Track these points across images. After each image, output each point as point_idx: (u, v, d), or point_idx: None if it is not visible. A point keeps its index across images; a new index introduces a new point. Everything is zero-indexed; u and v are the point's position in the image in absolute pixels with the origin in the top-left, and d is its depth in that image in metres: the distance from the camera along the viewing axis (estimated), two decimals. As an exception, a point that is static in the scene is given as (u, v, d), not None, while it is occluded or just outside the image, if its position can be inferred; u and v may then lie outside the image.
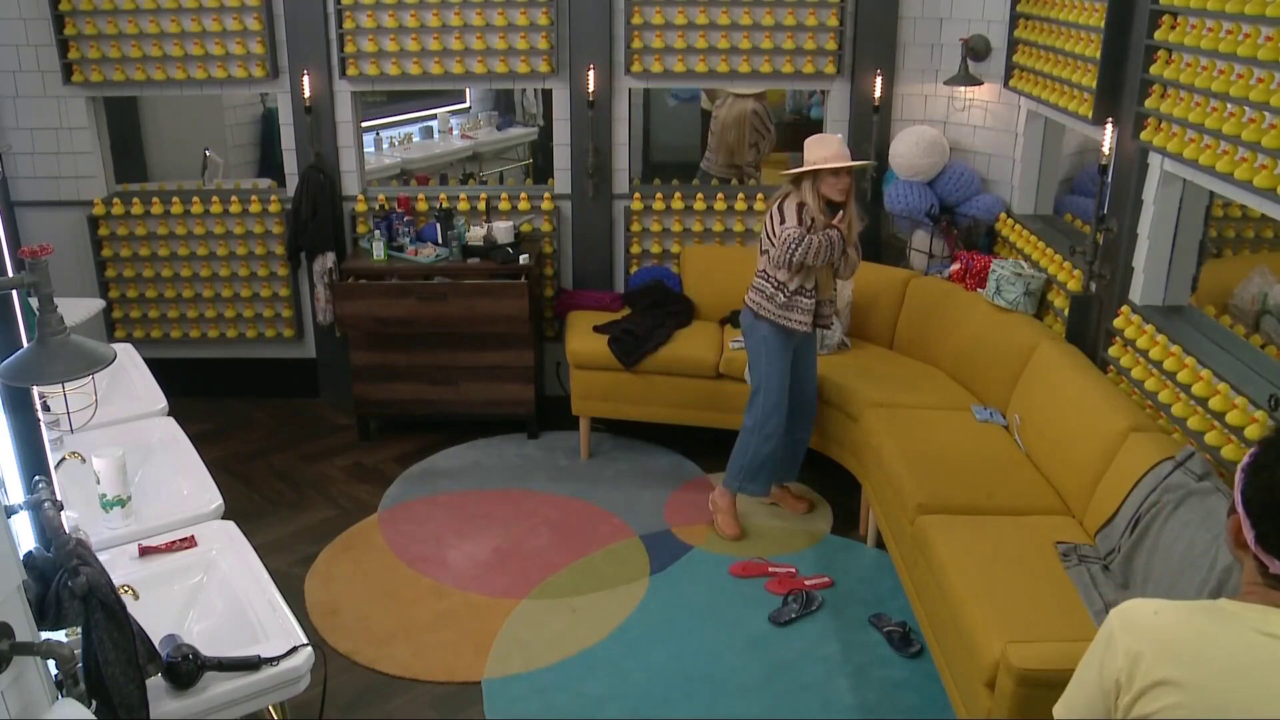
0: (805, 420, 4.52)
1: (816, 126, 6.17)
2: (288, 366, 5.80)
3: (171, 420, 3.47)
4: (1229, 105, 3.19)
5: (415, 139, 7.55)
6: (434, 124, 7.77)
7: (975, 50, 4.97)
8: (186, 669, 2.28)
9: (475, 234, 5.25)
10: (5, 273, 2.17)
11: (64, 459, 3.10)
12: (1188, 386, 3.36)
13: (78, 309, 3.91)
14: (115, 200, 5.47)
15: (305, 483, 5.00)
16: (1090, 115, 4.02)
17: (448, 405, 5.27)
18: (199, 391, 5.64)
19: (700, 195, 5.45)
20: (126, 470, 2.90)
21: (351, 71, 5.21)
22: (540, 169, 7.65)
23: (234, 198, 5.47)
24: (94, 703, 2.03)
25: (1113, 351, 3.89)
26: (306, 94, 5.20)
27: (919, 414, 4.28)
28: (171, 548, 2.80)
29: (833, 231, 4.09)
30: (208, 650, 2.33)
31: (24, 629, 1.87)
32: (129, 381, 3.72)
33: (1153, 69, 3.65)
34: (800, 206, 4.09)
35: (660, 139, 7.95)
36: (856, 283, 4.98)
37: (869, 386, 4.49)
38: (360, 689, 3.61)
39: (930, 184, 5.08)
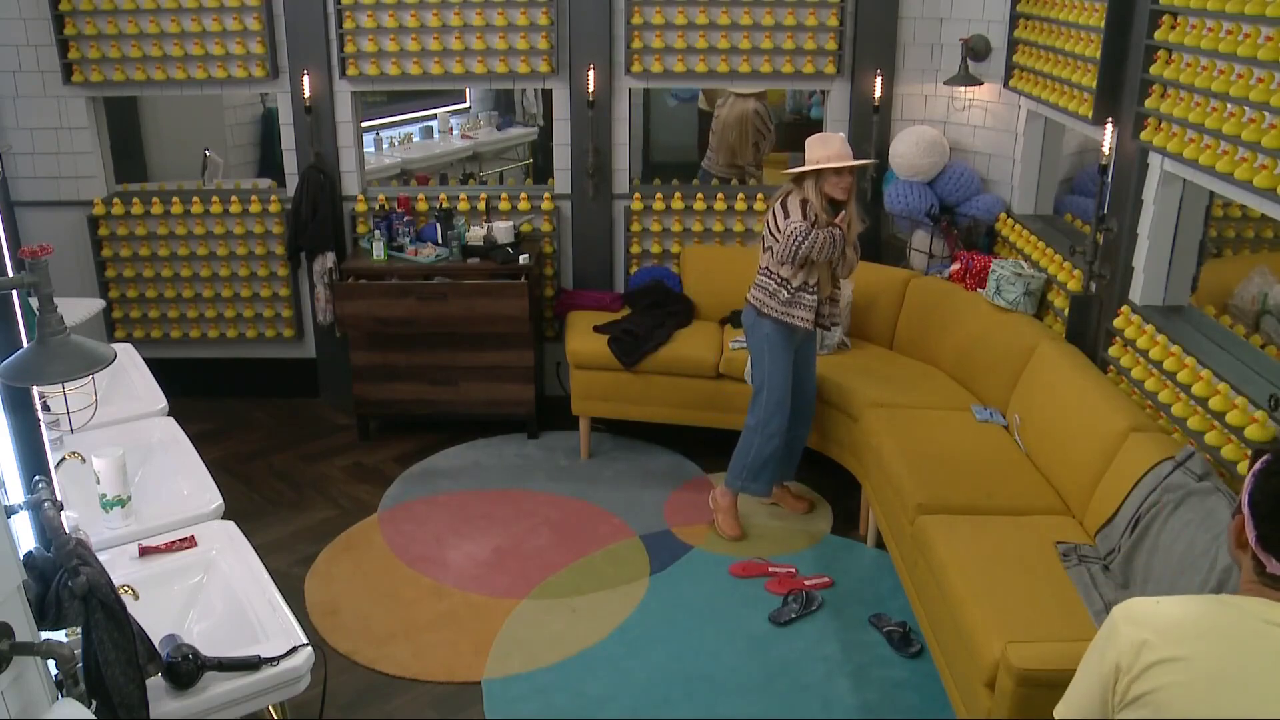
0: (805, 419, 4.52)
1: (816, 126, 6.17)
2: (288, 366, 5.80)
3: (171, 420, 3.47)
4: (1229, 105, 3.19)
5: (415, 139, 7.55)
6: (434, 124, 7.77)
7: (975, 50, 4.97)
8: (186, 669, 2.28)
9: (475, 234, 5.25)
10: (5, 273, 2.17)
11: (64, 459, 3.10)
12: (1188, 386, 3.36)
13: (78, 309, 3.92)
14: (115, 200, 5.47)
15: (305, 483, 5.00)
16: (1090, 115, 4.02)
17: (448, 405, 5.27)
18: (199, 391, 5.64)
19: (700, 195, 5.45)
20: (126, 470, 2.90)
21: (351, 71, 5.21)
22: (540, 169, 7.65)
23: (234, 198, 5.47)
24: (94, 703, 2.03)
25: (1113, 351, 3.89)
26: (306, 94, 5.20)
27: (919, 414, 4.28)
28: (171, 548, 2.80)
29: (834, 229, 4.10)
30: (208, 650, 2.33)
31: (24, 629, 1.87)
32: (129, 381, 3.72)
33: (1153, 69, 3.65)
34: (804, 203, 4.10)
35: (660, 139, 7.96)
36: (856, 283, 4.98)
37: (869, 386, 4.49)
38: (360, 689, 3.61)
39: (930, 184, 5.08)
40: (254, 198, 5.48)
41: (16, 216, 5.28)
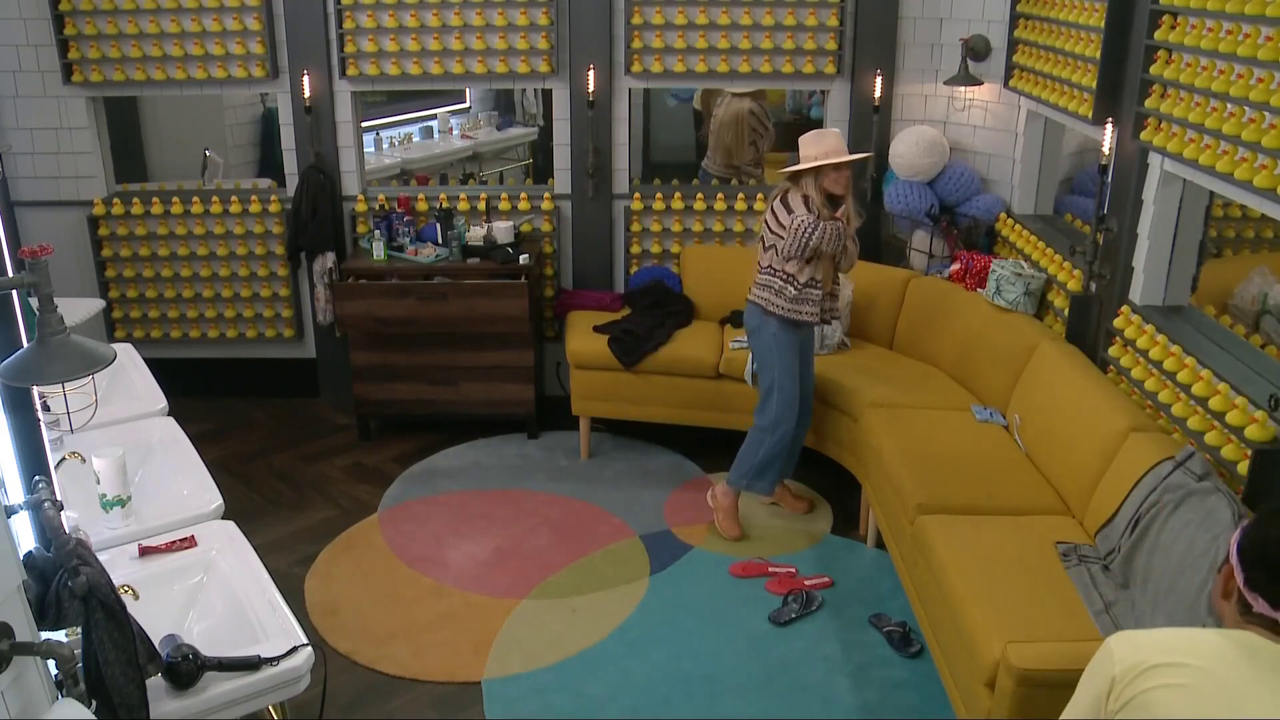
0: (806, 416, 4.52)
1: (817, 126, 6.17)
2: (288, 366, 5.80)
3: (171, 420, 3.47)
4: (1229, 105, 3.19)
5: (415, 139, 7.56)
6: (434, 124, 7.78)
7: (975, 50, 4.97)
8: (186, 669, 2.28)
9: (475, 234, 5.25)
10: (5, 273, 2.17)
11: (64, 459, 3.10)
12: (1188, 386, 3.36)
13: (78, 309, 3.91)
14: (115, 200, 5.47)
15: (305, 483, 5.00)
16: (1090, 115, 4.02)
17: (448, 405, 5.27)
18: (199, 391, 5.64)
19: (700, 195, 5.45)
20: (126, 470, 2.90)
21: (351, 71, 5.21)
22: (540, 169, 7.65)
23: (234, 198, 5.47)
24: (94, 703, 2.03)
25: (1113, 351, 3.89)
26: (306, 94, 5.20)
27: (919, 414, 4.28)
28: (171, 548, 2.80)
29: (837, 223, 4.12)
30: (208, 650, 2.33)
31: (24, 629, 1.87)
32: (129, 381, 3.72)
33: (1153, 69, 3.65)
34: (805, 200, 4.11)
35: (660, 139, 7.95)
36: (856, 283, 4.98)
37: (869, 386, 4.49)
38: (360, 689, 3.61)
39: (930, 184, 5.08)
40: (254, 198, 5.48)
41: (16, 216, 5.28)
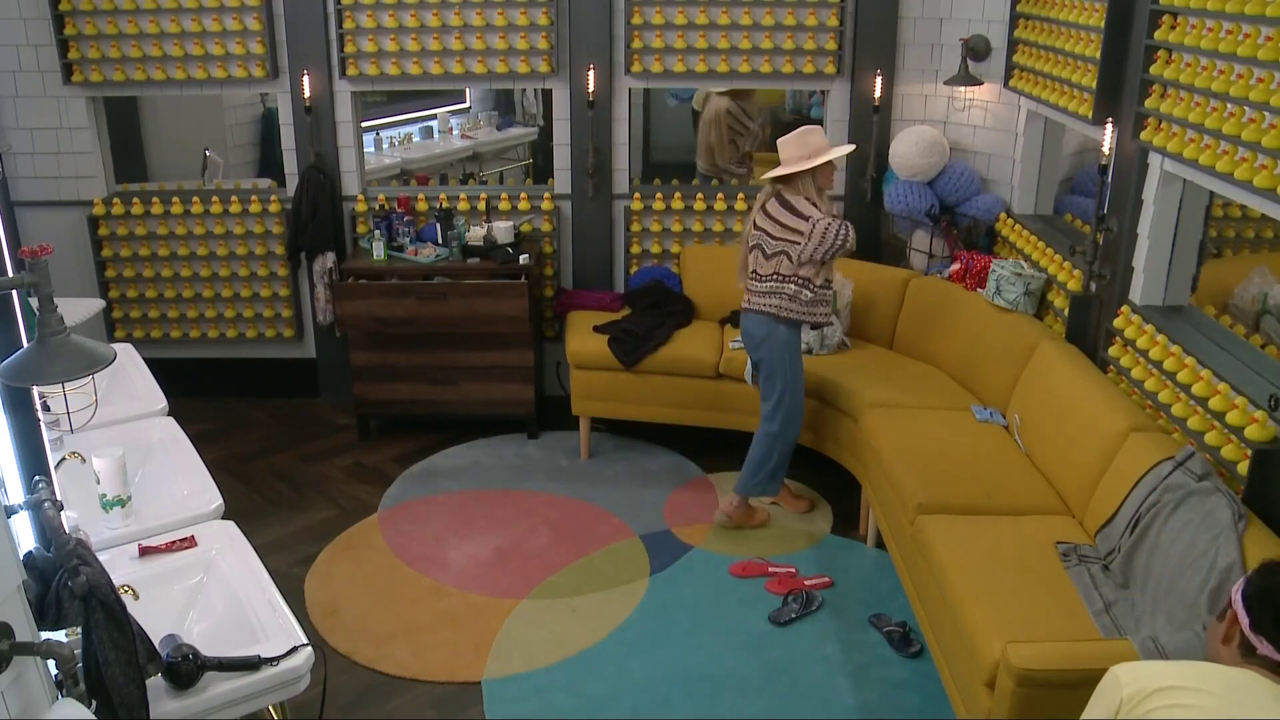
0: None
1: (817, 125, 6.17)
2: (288, 366, 5.80)
3: (171, 420, 3.47)
4: (1229, 105, 3.19)
5: (415, 139, 7.55)
6: (434, 124, 7.77)
7: (975, 50, 4.97)
8: (186, 669, 2.28)
9: (475, 234, 5.25)
10: (5, 273, 2.17)
11: (64, 459, 3.10)
12: (1188, 386, 3.36)
13: (78, 309, 3.91)
14: (115, 200, 5.47)
15: (305, 483, 5.00)
16: (1090, 115, 4.02)
17: (448, 405, 5.27)
18: (199, 391, 5.64)
19: (700, 195, 5.45)
20: (126, 470, 2.90)
21: (351, 71, 5.21)
22: (540, 169, 7.65)
23: (234, 198, 5.47)
24: (94, 703, 2.03)
25: (1113, 351, 3.89)
26: (306, 94, 5.20)
27: (919, 414, 4.28)
28: (171, 548, 2.80)
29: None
30: (208, 650, 2.33)
31: (24, 629, 1.87)
32: (129, 381, 3.72)
33: (1153, 69, 3.65)
34: (808, 200, 4.12)
35: (660, 139, 7.95)
36: (856, 282, 4.98)
37: (869, 386, 4.49)
38: (360, 689, 3.61)
39: (930, 184, 5.08)
40: (254, 198, 5.48)
41: (16, 216, 5.28)
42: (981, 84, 4.94)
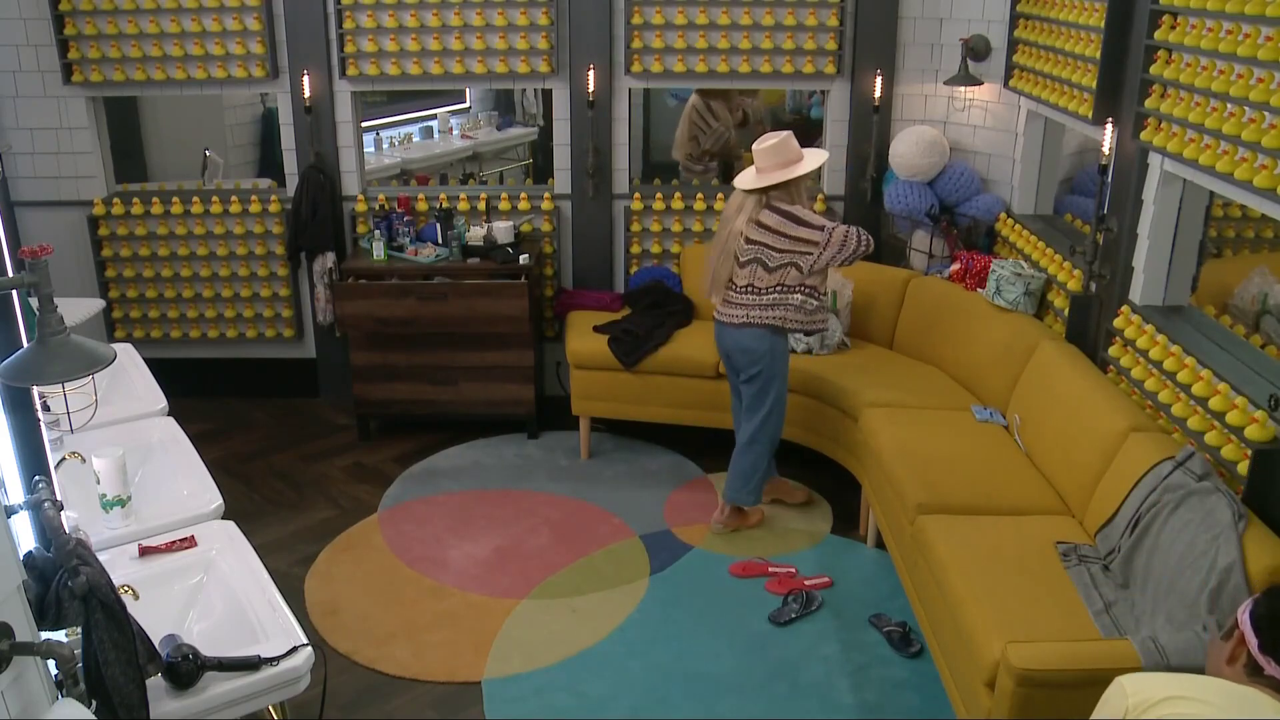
0: None
1: (816, 126, 6.18)
2: (288, 366, 5.80)
3: (171, 420, 3.47)
4: (1229, 105, 3.19)
5: (415, 139, 7.55)
6: (434, 124, 7.77)
7: (975, 50, 4.97)
8: (186, 669, 2.28)
9: (475, 234, 5.25)
10: (5, 273, 2.17)
11: (64, 459, 3.10)
12: (1188, 386, 3.36)
13: (78, 309, 3.92)
14: (115, 200, 5.47)
15: (305, 483, 5.00)
16: (1090, 115, 4.02)
17: (448, 405, 5.27)
18: (199, 391, 5.64)
19: (700, 195, 5.45)
20: (126, 470, 2.90)
21: (351, 71, 5.21)
22: (540, 169, 7.65)
23: (234, 198, 5.47)
24: (94, 703, 2.03)
25: (1113, 351, 3.89)
26: (306, 94, 5.20)
27: (919, 414, 4.27)
28: (171, 548, 2.80)
29: None
30: (208, 650, 2.33)
31: (24, 629, 1.87)
32: (129, 381, 3.72)
33: (1153, 69, 3.65)
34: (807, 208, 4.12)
35: (660, 139, 7.93)
36: (856, 282, 4.98)
37: (869, 386, 4.49)
38: (360, 689, 3.61)
39: (930, 184, 5.08)
40: (254, 198, 5.48)
41: (16, 216, 5.28)
42: (981, 84, 4.94)
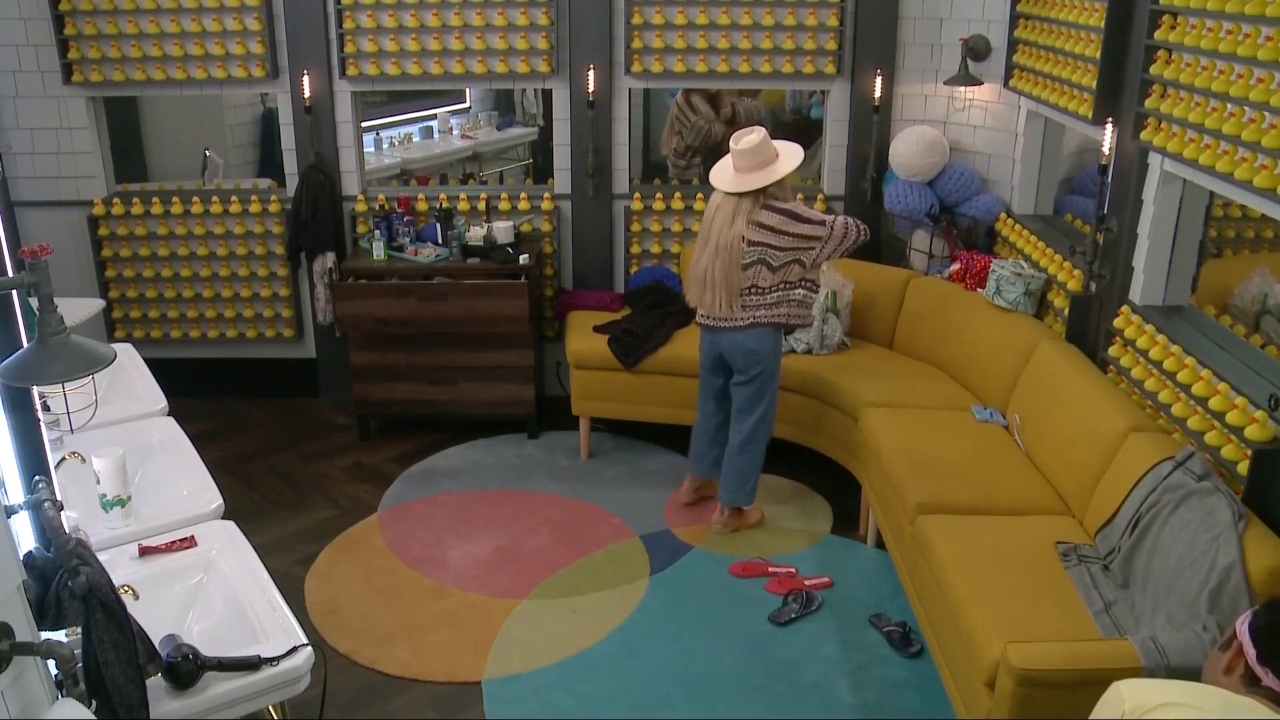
0: None
1: (816, 126, 6.17)
2: (288, 366, 5.80)
3: (171, 420, 3.47)
4: (1229, 105, 3.19)
5: (415, 139, 7.55)
6: (434, 124, 7.77)
7: (975, 50, 4.97)
8: (186, 669, 2.28)
9: (475, 234, 5.25)
10: (5, 273, 2.17)
11: (64, 459, 3.10)
12: (1188, 386, 3.36)
13: (78, 309, 3.91)
14: (115, 200, 5.47)
15: (305, 483, 5.00)
16: (1090, 115, 4.02)
17: (448, 405, 5.27)
18: (199, 391, 5.64)
19: (700, 195, 5.45)
20: (126, 470, 2.90)
21: (351, 71, 5.21)
22: (540, 169, 7.65)
23: (234, 198, 5.47)
24: (94, 703, 2.03)
25: (1113, 351, 3.89)
26: (306, 94, 5.20)
27: (919, 414, 4.28)
28: (171, 548, 2.80)
29: None
30: (208, 650, 2.33)
31: (24, 629, 1.87)
32: (129, 381, 3.72)
33: (1153, 69, 3.65)
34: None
35: (660, 139, 7.94)
36: (856, 282, 4.98)
37: (869, 386, 4.49)
38: (360, 689, 3.61)
39: (930, 184, 5.08)
40: (254, 198, 5.48)
41: (16, 216, 5.28)
42: (981, 84, 4.94)
